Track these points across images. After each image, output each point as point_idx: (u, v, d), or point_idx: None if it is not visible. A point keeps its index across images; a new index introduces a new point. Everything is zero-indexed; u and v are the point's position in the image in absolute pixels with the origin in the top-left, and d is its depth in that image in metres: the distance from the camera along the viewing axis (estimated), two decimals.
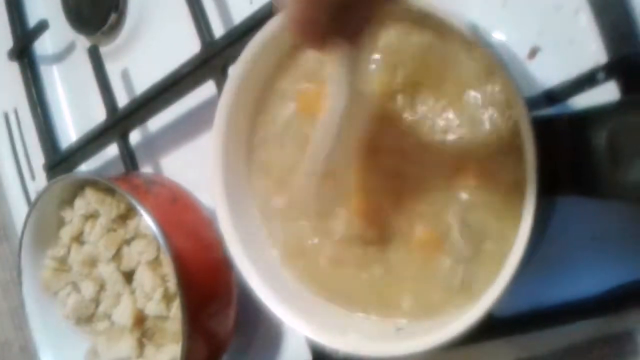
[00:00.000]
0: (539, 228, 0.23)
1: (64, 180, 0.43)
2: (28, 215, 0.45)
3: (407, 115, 0.28)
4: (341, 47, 0.22)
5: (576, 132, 0.22)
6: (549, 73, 0.29)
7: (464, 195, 0.27)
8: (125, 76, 0.50)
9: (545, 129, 0.22)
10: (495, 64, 0.24)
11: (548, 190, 0.22)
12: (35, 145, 0.54)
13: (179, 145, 0.47)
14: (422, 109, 0.28)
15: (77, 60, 0.53)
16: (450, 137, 0.27)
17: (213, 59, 0.40)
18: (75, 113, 0.54)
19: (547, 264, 0.30)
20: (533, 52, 0.30)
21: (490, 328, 0.31)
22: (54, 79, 0.55)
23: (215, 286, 0.40)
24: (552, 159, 0.22)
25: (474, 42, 0.25)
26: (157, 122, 0.47)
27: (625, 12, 0.28)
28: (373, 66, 0.28)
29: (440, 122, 0.27)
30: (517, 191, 0.23)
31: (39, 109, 0.52)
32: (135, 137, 0.48)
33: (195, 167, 0.45)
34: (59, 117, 0.54)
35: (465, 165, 0.26)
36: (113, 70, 0.49)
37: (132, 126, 0.46)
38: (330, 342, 0.29)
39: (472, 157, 0.26)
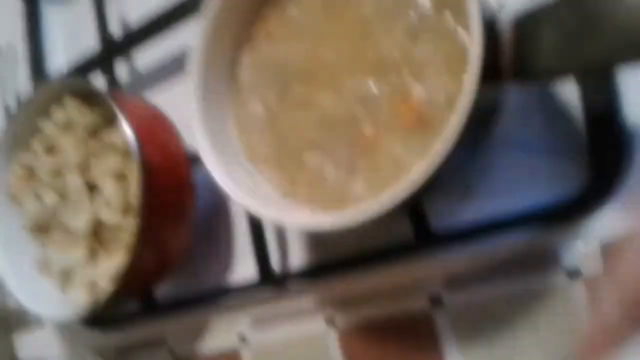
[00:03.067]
0: (479, 119, 0.25)
1: (45, 87, 0.45)
2: (6, 125, 0.46)
3: None
4: None
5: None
6: None
7: None
8: (121, 9, 0.52)
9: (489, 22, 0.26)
10: None
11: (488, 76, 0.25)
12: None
13: (166, 82, 0.48)
14: None
15: None
16: None
17: None
18: (69, 44, 0.56)
19: (482, 183, 0.33)
20: None
21: (420, 244, 0.34)
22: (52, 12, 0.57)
23: (175, 203, 0.42)
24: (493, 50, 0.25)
25: None
26: (147, 57, 0.49)
27: None
28: None
29: None
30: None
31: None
32: (122, 71, 0.50)
33: (180, 105, 0.47)
34: (52, 48, 0.56)
35: None
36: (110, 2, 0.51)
37: (121, 56, 0.48)
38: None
39: None
